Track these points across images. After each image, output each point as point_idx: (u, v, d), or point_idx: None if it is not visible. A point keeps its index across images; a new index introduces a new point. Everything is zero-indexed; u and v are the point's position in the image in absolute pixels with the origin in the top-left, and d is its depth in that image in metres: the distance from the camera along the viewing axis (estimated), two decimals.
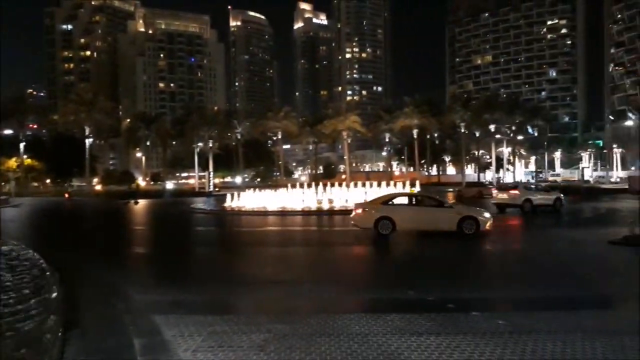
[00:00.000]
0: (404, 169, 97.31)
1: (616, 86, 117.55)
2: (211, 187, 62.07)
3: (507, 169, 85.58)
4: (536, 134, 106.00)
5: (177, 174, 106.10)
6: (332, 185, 36.26)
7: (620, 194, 45.63)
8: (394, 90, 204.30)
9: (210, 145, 73.40)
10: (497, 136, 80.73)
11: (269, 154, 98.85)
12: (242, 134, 77.56)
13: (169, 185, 77.41)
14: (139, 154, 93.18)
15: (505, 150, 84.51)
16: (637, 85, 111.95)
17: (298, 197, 31.57)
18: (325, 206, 29.54)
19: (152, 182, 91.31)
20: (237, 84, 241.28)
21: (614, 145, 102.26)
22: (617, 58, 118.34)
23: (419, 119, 73.08)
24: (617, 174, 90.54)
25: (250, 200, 31.77)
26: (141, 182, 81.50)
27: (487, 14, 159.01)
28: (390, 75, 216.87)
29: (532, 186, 33.14)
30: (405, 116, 74.00)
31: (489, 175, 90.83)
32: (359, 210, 17.48)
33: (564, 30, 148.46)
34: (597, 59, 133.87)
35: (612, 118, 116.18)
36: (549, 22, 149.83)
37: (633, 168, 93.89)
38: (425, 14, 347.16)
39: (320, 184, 35.83)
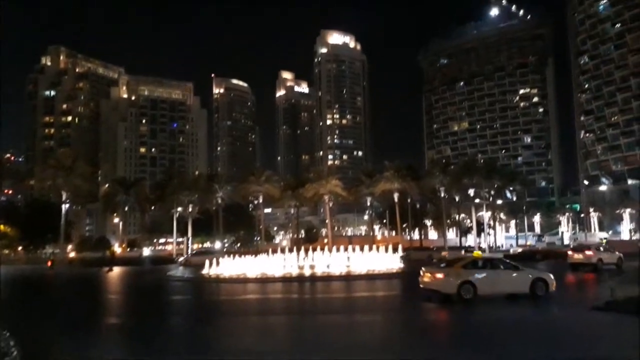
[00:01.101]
0: (386, 233, 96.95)
1: (588, 152, 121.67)
2: (189, 252, 60.59)
3: (488, 233, 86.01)
4: (514, 199, 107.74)
5: (155, 240, 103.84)
6: (314, 249, 35.65)
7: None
8: (374, 154, 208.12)
9: (190, 210, 72.51)
10: (477, 200, 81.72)
11: (250, 219, 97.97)
12: (223, 198, 77.04)
13: (146, 251, 75.47)
14: (116, 220, 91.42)
15: (485, 215, 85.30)
16: (608, 151, 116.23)
17: (279, 262, 30.83)
18: (307, 272, 28.85)
19: (128, 249, 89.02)
20: (219, 148, 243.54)
21: (591, 209, 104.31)
22: (587, 125, 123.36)
23: (400, 183, 73.75)
24: (599, 235, 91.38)
25: (229, 266, 30.89)
26: (117, 248, 79.34)
27: (462, 83, 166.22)
28: (370, 141, 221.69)
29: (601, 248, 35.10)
30: (386, 180, 74.66)
31: (470, 239, 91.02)
32: (440, 275, 16.86)
33: (535, 99, 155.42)
34: (568, 126, 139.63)
35: (586, 183, 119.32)
36: (521, 91, 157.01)
37: (611, 232, 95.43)
38: (402, 82, 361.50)
39: (302, 248, 35.22)
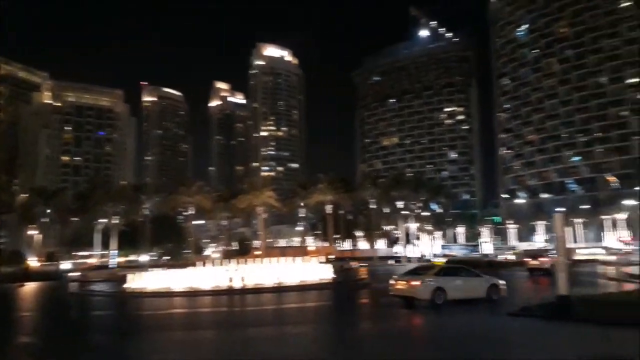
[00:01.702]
0: (319, 244, 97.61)
1: (508, 167, 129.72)
2: (113, 266, 57.83)
3: (414, 244, 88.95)
4: (440, 211, 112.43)
5: (76, 253, 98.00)
6: (246, 261, 35.22)
7: (516, 267, 48.48)
8: (309, 167, 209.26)
9: (116, 221, 69.37)
10: (405, 212, 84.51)
11: (180, 231, 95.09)
12: (151, 210, 74.43)
13: (66, 265, 71.02)
14: (34, 232, 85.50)
15: (413, 226, 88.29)
16: (525, 167, 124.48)
17: (208, 275, 30.08)
18: (238, 284, 28.40)
19: (46, 262, 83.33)
20: (149, 158, 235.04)
21: (510, 221, 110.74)
22: (506, 142, 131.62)
23: (333, 195, 74.91)
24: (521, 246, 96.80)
25: (154, 280, 29.72)
26: (35, 262, 74.07)
27: (393, 100, 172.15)
28: (305, 153, 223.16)
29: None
30: (320, 192, 75.57)
31: (399, 249, 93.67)
32: (417, 282, 17.82)
33: (460, 117, 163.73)
34: (490, 142, 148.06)
35: (506, 196, 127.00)
36: (448, 109, 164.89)
37: (530, 242, 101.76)
38: (337, 98, 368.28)
39: (234, 260, 34.69)
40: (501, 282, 19.33)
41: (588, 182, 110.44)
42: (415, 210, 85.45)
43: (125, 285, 29.82)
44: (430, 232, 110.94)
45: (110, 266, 58.08)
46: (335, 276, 32.12)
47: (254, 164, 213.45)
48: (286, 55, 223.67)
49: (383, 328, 14.71)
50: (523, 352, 10.58)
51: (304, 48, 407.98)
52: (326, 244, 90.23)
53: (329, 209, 76.57)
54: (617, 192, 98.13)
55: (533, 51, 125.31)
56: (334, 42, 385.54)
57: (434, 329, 14.33)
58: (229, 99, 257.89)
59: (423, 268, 21.10)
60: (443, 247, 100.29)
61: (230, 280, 28.96)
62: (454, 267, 21.19)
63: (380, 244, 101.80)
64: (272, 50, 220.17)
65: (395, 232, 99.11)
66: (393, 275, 19.99)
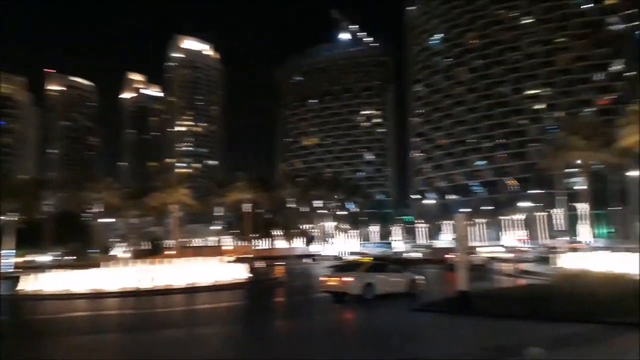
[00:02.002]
0: (236, 243, 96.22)
1: (419, 170, 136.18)
2: (8, 267, 53.13)
3: (330, 242, 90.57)
4: (356, 210, 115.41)
5: None
6: (157, 261, 33.81)
7: (425, 264, 50.91)
8: (228, 164, 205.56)
9: (14, 218, 63.76)
10: (323, 211, 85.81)
11: (86, 229, 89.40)
12: (55, 206, 69.32)
13: None
14: None
15: (329, 224, 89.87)
16: (434, 169, 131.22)
17: (114, 276, 28.44)
18: (147, 285, 27.14)
19: None
20: (54, 151, 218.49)
21: (420, 220, 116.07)
22: (419, 146, 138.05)
23: (251, 194, 74.19)
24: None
25: (52, 281, 27.49)
26: None
27: (314, 100, 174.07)
28: (224, 150, 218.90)
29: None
30: (238, 190, 74.51)
31: (316, 248, 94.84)
32: (349, 278, 18.62)
33: (377, 120, 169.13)
34: (404, 145, 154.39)
35: (416, 197, 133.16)
36: (365, 112, 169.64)
37: (436, 240, 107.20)
38: (260, 96, 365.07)
39: (145, 261, 33.16)
40: (419, 277, 20.97)
41: (491, 184, 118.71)
42: (333, 210, 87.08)
43: (18, 288, 27.43)
44: (346, 231, 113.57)
45: (3, 268, 53.28)
46: (250, 275, 31.80)
47: (169, 160, 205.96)
48: (206, 49, 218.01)
49: (296, 326, 14.77)
50: (431, 344, 11.08)
51: (226, 43, 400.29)
52: (243, 243, 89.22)
53: (247, 207, 75.76)
54: (516, 194, 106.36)
55: (445, 59, 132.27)
56: (257, 40, 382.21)
57: (346, 325, 14.64)
58: (143, 91, 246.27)
59: (350, 265, 22.11)
60: (361, 245, 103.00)
61: (139, 280, 27.65)
62: (381, 264, 22.34)
63: (298, 243, 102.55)
64: (191, 44, 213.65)
65: (313, 230, 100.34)
66: (323, 273, 20.90)
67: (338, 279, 19.02)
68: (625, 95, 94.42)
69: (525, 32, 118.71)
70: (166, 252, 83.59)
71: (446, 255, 41.90)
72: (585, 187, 51.04)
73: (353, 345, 11.64)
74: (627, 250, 37.67)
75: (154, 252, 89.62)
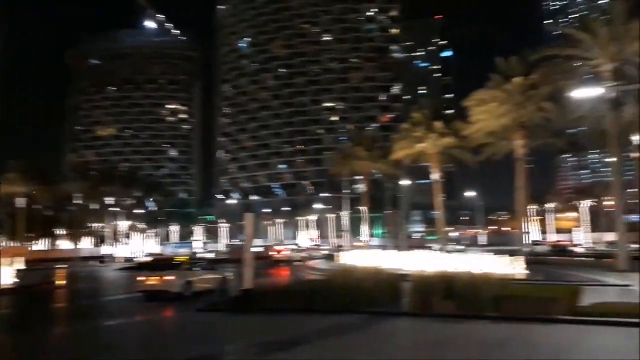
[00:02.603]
0: (5, 243, 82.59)
1: (224, 169, 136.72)
2: None
3: (124, 242, 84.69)
4: (155, 208, 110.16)
5: None
6: None
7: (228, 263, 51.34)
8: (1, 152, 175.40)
9: None
10: (116, 209, 79.63)
11: None
12: None
13: None
14: None
15: (124, 223, 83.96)
16: (239, 170, 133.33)
17: None
18: None
19: None
20: None
21: (222, 220, 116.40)
22: (225, 146, 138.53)
23: (27, 187, 64.70)
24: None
25: None
26: None
27: (113, 88, 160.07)
28: None
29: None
30: (9, 183, 64.21)
31: (108, 249, 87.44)
32: (171, 277, 18.78)
33: (183, 115, 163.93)
34: (210, 144, 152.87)
35: (220, 197, 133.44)
36: (170, 106, 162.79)
37: (237, 240, 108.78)
38: (47, 78, 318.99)
39: None
40: (231, 275, 22.14)
41: (291, 187, 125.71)
42: (128, 208, 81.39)
43: None
44: (143, 231, 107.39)
45: None
46: (17, 280, 27.72)
47: None
48: None
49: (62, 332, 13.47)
50: (204, 344, 11.22)
51: (9, 15, 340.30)
52: (16, 244, 77.17)
53: (21, 202, 65.77)
54: (312, 197, 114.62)
55: (253, 64, 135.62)
56: (44, 15, 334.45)
57: (111, 329, 13.90)
58: None
59: (166, 264, 22.01)
60: (164, 245, 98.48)
61: None
62: (197, 262, 23.65)
63: (86, 244, 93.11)
64: None
65: (104, 230, 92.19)
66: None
67: (158, 278, 19.08)
68: (402, 115, 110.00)
69: (325, 48, 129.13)
70: None
71: (270, 252, 46.30)
72: (365, 192, 57.70)
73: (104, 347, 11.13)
74: (396, 248, 44.11)
75: None
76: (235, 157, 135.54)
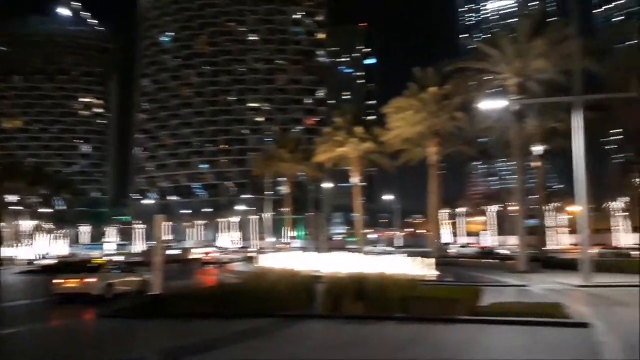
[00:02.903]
0: None
1: (141, 168, 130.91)
2: None
3: (28, 243, 78.48)
4: (64, 207, 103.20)
5: None
6: None
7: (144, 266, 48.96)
8: None
9: None
10: (20, 208, 73.60)
11: None
12: None
13: None
14: None
15: (28, 223, 77.84)
16: (158, 169, 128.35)
17: None
18: None
19: None
20: None
21: (138, 221, 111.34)
22: (143, 143, 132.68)
23: None
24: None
25: None
26: None
27: (20, 77, 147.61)
28: None
29: None
30: None
31: (8, 251, 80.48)
32: (92, 279, 18.48)
33: (98, 110, 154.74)
34: (126, 141, 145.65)
35: (136, 196, 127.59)
36: (84, 99, 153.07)
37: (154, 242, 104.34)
38: None
39: None
40: (148, 276, 20.22)
41: (212, 187, 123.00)
42: (33, 206, 75.47)
43: None
44: (50, 231, 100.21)
45: None
46: None
47: None
48: None
49: None
50: (104, 351, 10.59)
51: None
52: None
53: None
54: (234, 198, 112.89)
55: (175, 59, 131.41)
56: None
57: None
58: None
59: (88, 266, 21.53)
60: (73, 246, 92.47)
61: None
62: (118, 264, 23.71)
63: None
64: None
65: (4, 230, 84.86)
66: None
67: (78, 280, 18.67)
68: (327, 119, 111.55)
69: (251, 48, 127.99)
70: None
71: (190, 256, 46.39)
72: (288, 193, 57.89)
73: None
74: (316, 249, 44.48)
75: None
76: (153, 155, 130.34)
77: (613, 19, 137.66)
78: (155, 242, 15.74)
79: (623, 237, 48.01)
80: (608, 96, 26.68)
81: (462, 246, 55.68)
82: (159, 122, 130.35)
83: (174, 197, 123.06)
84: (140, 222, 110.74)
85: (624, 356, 9.12)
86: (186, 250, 56.56)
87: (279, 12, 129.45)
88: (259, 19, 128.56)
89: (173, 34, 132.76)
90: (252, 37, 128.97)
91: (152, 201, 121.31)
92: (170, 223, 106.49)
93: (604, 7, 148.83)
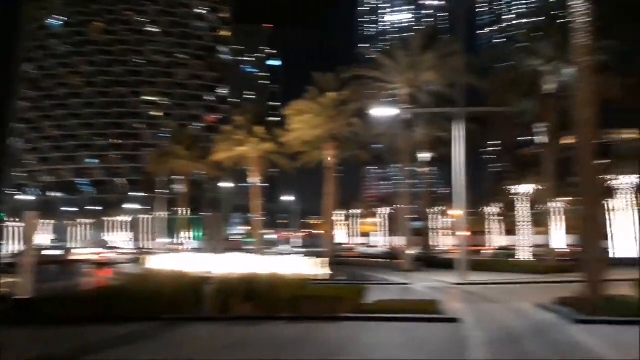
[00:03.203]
0: None
1: (19, 161, 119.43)
2: None
3: None
4: None
5: None
6: None
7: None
8: None
9: None
10: None
11: None
12: None
13: None
14: None
15: None
16: (40, 162, 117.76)
17: None
18: None
19: None
20: None
21: (14, 219, 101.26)
22: (22, 133, 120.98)
23: None
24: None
25: None
26: None
27: None
28: None
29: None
30: None
31: None
32: None
33: None
34: (2, 129, 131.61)
35: (12, 191, 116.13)
36: None
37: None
38: None
39: None
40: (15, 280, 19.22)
41: (101, 184, 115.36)
42: None
43: None
44: None
45: None
46: None
47: None
48: None
49: None
50: None
51: None
52: None
53: None
54: (125, 196, 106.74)
55: (65, 45, 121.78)
56: None
57: None
58: None
59: None
60: None
61: None
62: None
63: None
64: None
65: None
66: None
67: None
68: (228, 117, 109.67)
69: (150, 40, 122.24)
70: None
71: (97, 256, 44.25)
72: (185, 192, 55.98)
73: None
74: (213, 250, 43.41)
75: None
76: (35, 147, 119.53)
77: (495, 41, 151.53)
78: (26, 242, 14.41)
79: (497, 239, 52.62)
80: (488, 110, 29.26)
81: (369, 246, 57.64)
82: (43, 111, 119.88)
83: (57, 194, 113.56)
84: (17, 220, 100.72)
85: (487, 349, 10.06)
86: (67, 250, 52.29)
87: (182, 5, 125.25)
88: (160, 10, 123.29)
89: (64, 18, 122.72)
90: (152, 29, 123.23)
91: (32, 197, 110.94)
92: (52, 221, 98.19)
93: (487, 29, 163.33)
